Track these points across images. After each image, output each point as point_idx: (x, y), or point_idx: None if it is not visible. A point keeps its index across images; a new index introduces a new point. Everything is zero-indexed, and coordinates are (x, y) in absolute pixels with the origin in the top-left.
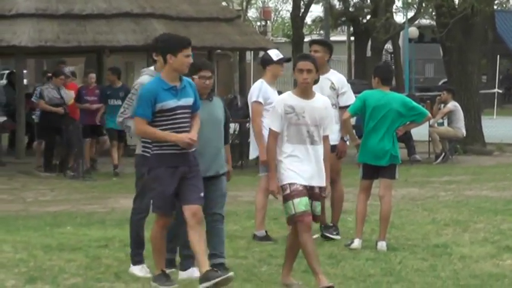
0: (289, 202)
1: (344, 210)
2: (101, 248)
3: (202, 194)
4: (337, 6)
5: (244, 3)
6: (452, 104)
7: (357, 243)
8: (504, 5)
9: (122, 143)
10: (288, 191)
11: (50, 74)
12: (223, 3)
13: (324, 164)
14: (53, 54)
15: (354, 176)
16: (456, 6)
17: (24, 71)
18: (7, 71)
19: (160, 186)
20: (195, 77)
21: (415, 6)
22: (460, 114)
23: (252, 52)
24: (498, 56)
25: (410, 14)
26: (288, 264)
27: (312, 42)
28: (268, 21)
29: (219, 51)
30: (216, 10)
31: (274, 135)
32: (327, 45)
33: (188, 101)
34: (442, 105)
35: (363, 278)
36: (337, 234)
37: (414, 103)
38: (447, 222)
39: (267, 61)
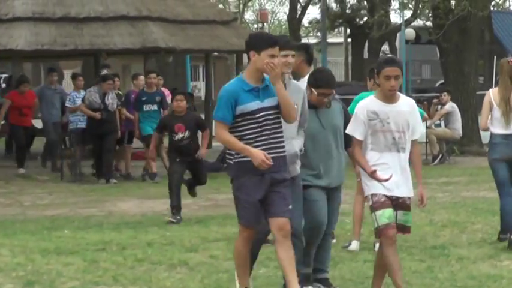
0: (372, 214)
1: (342, 212)
2: (99, 251)
3: (290, 206)
4: (334, 8)
5: (241, 6)
6: (450, 105)
7: (354, 245)
8: (501, 6)
9: None
10: (371, 202)
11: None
12: (220, 6)
13: (416, 170)
14: (50, 57)
15: (351, 178)
16: (452, 8)
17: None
18: (4, 75)
19: (245, 196)
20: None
21: (411, 7)
22: (458, 116)
23: None
24: (495, 56)
25: (408, 15)
26: (377, 282)
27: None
28: (265, 24)
29: (216, 53)
30: (213, 13)
31: (358, 144)
32: (300, 48)
33: (273, 101)
34: (439, 106)
35: (361, 279)
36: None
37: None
38: (445, 224)
39: None
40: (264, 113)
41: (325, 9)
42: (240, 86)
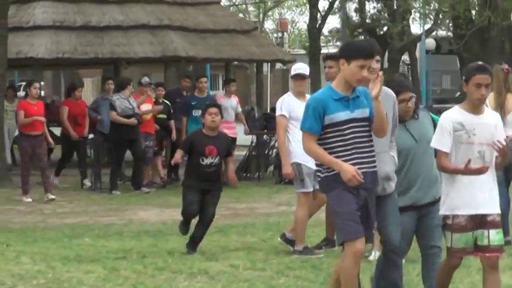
0: (448, 233)
1: None
2: (119, 259)
3: (375, 225)
4: (354, 18)
5: (261, 15)
6: None
7: (374, 255)
8: None
9: None
10: (449, 222)
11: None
12: (240, 15)
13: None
14: (70, 66)
15: None
16: (473, 18)
17: (42, 83)
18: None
19: (345, 207)
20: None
21: (431, 17)
22: None
23: (269, 64)
24: None
25: (427, 25)
26: None
27: (326, 57)
28: (285, 33)
29: (235, 63)
30: (233, 22)
31: (444, 157)
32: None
33: (363, 112)
34: None
35: None
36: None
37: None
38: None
39: (291, 76)
40: (352, 125)
41: (345, 19)
42: (329, 95)
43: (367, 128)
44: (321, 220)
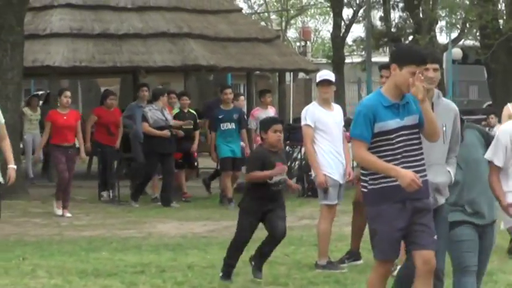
0: None
1: None
2: (137, 274)
3: (435, 237)
4: (378, 27)
5: (284, 23)
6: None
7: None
8: None
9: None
10: None
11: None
12: (262, 24)
13: None
14: (87, 74)
15: None
16: (501, 27)
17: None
18: (41, 92)
19: (384, 226)
20: None
21: (458, 26)
22: None
23: (292, 73)
24: None
25: (454, 34)
26: None
27: (381, 67)
28: (308, 42)
29: (257, 72)
30: (255, 30)
31: (496, 171)
32: None
33: (413, 119)
34: (487, 129)
35: None
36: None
37: None
38: (493, 249)
39: (316, 82)
40: (402, 133)
41: (370, 28)
42: (379, 101)
43: (416, 136)
44: (344, 234)
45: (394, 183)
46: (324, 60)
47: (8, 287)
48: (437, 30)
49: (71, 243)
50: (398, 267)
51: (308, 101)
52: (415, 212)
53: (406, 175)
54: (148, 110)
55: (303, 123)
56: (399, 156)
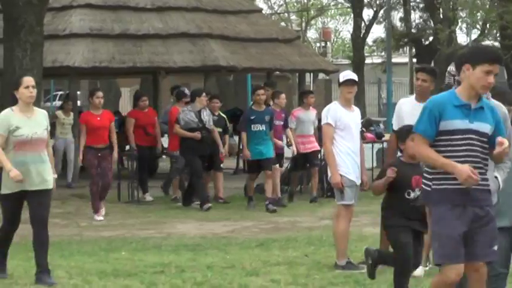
0: None
1: None
2: (157, 274)
3: (495, 247)
4: (399, 27)
5: (304, 24)
6: None
7: (419, 270)
8: None
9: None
10: None
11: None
12: (282, 24)
13: None
14: (107, 75)
15: None
16: None
17: (78, 93)
18: (61, 92)
19: (444, 229)
20: None
21: (478, 27)
22: None
23: (312, 74)
24: None
25: (474, 35)
26: None
27: (419, 69)
28: (328, 42)
29: (277, 72)
30: (275, 31)
31: None
32: (434, 74)
33: (484, 126)
34: None
35: None
36: None
37: None
38: None
39: (339, 82)
40: (468, 136)
41: (390, 28)
42: (450, 99)
43: (483, 144)
44: (364, 235)
45: (456, 186)
46: (344, 61)
47: (27, 286)
48: (457, 30)
49: (90, 243)
50: (419, 268)
51: (328, 101)
52: (476, 218)
53: (462, 170)
54: (181, 111)
55: (324, 122)
56: (462, 159)
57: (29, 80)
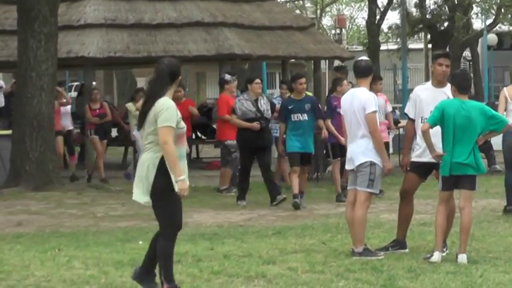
0: None
1: (423, 222)
2: (174, 263)
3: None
4: (414, 13)
5: (319, 11)
6: None
7: (436, 256)
8: None
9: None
10: None
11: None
12: (297, 12)
13: None
14: (122, 65)
15: (433, 187)
16: None
17: (94, 83)
18: (76, 83)
19: None
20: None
21: (493, 12)
22: None
23: (327, 61)
24: None
25: (489, 20)
26: None
27: (438, 55)
28: (343, 29)
29: (292, 60)
30: (290, 18)
31: None
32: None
33: None
34: None
35: None
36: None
37: (494, 111)
38: None
39: (370, 69)
40: None
41: (405, 14)
42: None
43: None
44: (381, 221)
45: None
46: (359, 48)
47: (43, 278)
48: (472, 15)
49: (106, 233)
50: (436, 253)
51: None
52: None
53: None
54: (238, 100)
55: (372, 109)
56: None
57: None
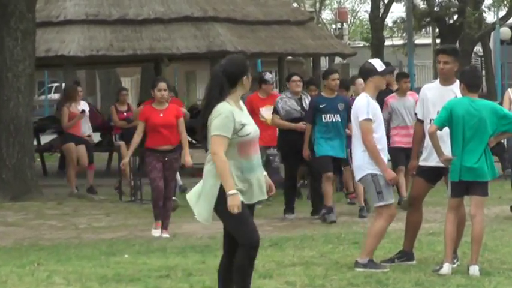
0: None
1: (432, 231)
2: (162, 278)
3: None
4: (420, 6)
5: (318, 4)
6: None
7: (446, 268)
8: None
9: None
10: None
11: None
12: (294, 5)
13: None
14: (105, 64)
15: (442, 193)
16: None
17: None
18: (56, 84)
19: None
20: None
21: (506, 3)
22: None
23: (327, 58)
24: None
25: (502, 13)
26: None
27: (437, 51)
28: (344, 24)
29: (290, 57)
30: (286, 12)
31: None
32: (456, 53)
33: None
34: None
35: None
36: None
37: (506, 111)
38: None
39: (369, 72)
40: None
41: (411, 7)
42: None
43: None
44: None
45: None
46: (362, 44)
47: None
48: (484, 8)
49: (89, 246)
50: (445, 265)
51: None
52: None
53: None
54: (279, 99)
55: (364, 117)
56: None
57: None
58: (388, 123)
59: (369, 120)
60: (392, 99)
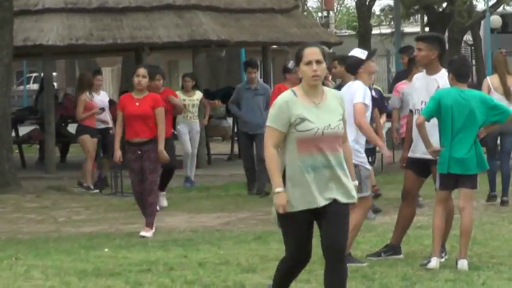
0: None
1: (420, 225)
2: (143, 272)
3: None
4: None
5: None
6: None
7: (434, 262)
8: None
9: None
10: None
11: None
12: None
13: None
14: (85, 53)
15: (430, 185)
16: None
17: (54, 74)
18: (34, 74)
19: None
20: None
21: None
22: None
23: None
24: None
25: (492, 1)
26: None
27: (415, 39)
28: (330, 12)
29: (274, 46)
30: (271, 0)
31: None
32: (434, 41)
33: None
34: None
35: None
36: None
37: (496, 101)
38: None
39: (357, 63)
40: None
41: None
42: None
43: None
44: (373, 224)
45: None
46: (349, 32)
47: None
48: None
49: (69, 240)
50: (433, 259)
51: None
52: None
53: None
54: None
55: (360, 100)
56: None
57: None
58: (397, 112)
59: (363, 104)
60: (403, 86)
